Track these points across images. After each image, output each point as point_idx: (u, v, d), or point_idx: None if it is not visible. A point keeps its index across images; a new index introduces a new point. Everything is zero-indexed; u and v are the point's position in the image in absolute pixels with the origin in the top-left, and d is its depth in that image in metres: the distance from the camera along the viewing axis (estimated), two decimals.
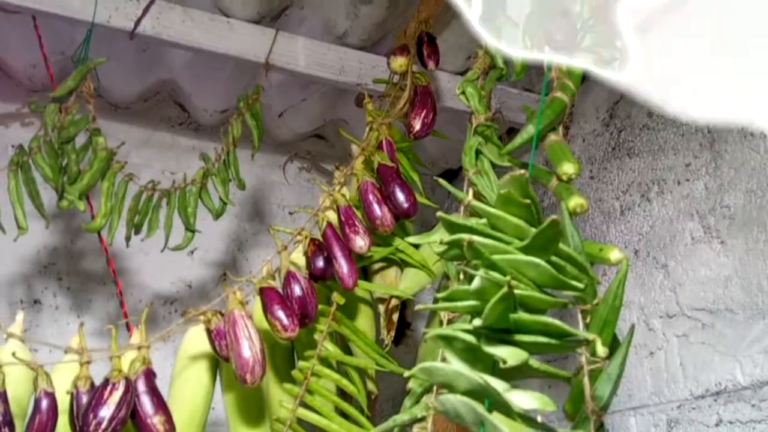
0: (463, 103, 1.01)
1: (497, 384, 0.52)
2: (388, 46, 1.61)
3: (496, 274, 0.56)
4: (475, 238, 0.59)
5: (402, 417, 0.68)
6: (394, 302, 1.29)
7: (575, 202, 0.74)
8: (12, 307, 1.73)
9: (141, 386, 1.02)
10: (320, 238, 1.18)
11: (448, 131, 1.47)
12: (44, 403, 0.99)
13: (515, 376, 0.57)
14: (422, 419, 0.68)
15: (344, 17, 1.58)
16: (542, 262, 0.58)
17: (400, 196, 1.20)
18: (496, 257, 0.58)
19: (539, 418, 0.58)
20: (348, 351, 1.26)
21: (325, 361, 1.20)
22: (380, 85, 1.44)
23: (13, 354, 0.98)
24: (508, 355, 0.53)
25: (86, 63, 1.36)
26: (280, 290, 1.12)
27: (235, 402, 1.24)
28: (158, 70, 1.84)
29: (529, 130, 0.81)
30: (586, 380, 0.61)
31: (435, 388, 0.72)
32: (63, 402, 1.01)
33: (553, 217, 0.57)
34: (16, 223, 1.32)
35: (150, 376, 1.04)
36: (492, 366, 0.56)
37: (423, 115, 1.28)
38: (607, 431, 0.63)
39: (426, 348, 1.14)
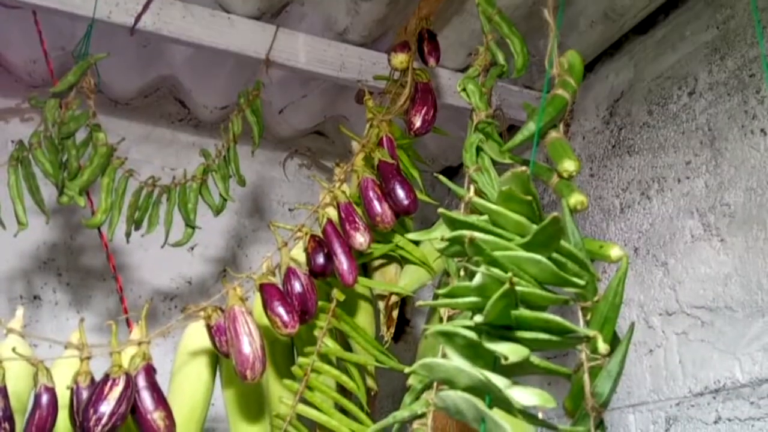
0: (464, 100, 1.01)
1: (498, 380, 0.52)
2: (389, 42, 1.61)
3: (497, 271, 0.56)
4: (477, 234, 0.59)
5: (402, 413, 0.68)
6: (394, 299, 1.30)
7: (576, 199, 0.74)
8: (12, 303, 1.73)
9: (141, 382, 1.02)
10: (320, 235, 1.18)
11: (448, 128, 1.47)
12: (44, 399, 0.99)
13: (515, 372, 0.57)
14: (422, 415, 0.68)
15: (345, 13, 1.58)
16: (543, 259, 0.58)
17: (401, 193, 1.20)
18: (497, 254, 0.58)
19: (540, 415, 0.58)
20: (348, 347, 1.26)
21: (324, 358, 1.20)
22: (381, 82, 1.44)
23: (14, 349, 0.98)
24: (510, 351, 0.53)
25: (87, 58, 1.36)
26: (280, 286, 1.12)
27: (235, 398, 1.24)
28: (158, 65, 1.84)
29: (530, 128, 0.81)
30: (586, 377, 0.62)
31: (435, 384, 0.72)
32: (63, 397, 1.01)
33: (555, 214, 0.57)
34: (16, 219, 1.32)
35: (150, 371, 1.04)
36: (493, 362, 0.56)
37: (423, 112, 1.28)
38: (606, 428, 0.63)
39: (426, 344, 1.15)
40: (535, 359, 0.55)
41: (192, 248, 1.91)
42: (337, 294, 1.22)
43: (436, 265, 1.32)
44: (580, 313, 0.68)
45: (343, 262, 1.15)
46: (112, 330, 1.05)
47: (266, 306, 1.09)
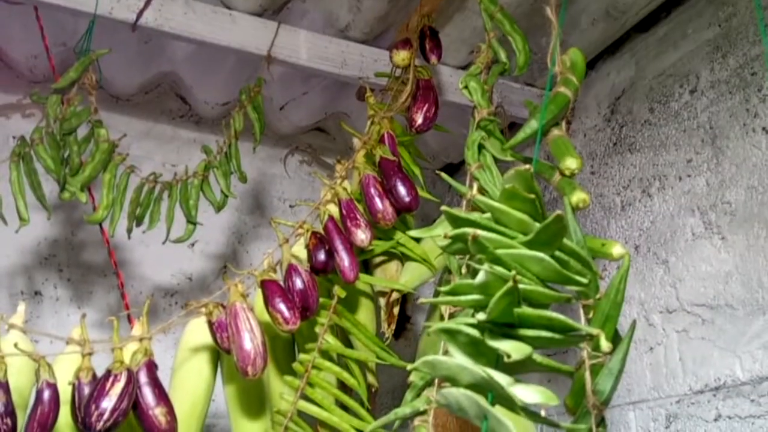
0: (466, 97, 1.01)
1: (501, 378, 0.52)
2: (390, 39, 1.61)
3: (500, 269, 0.57)
4: (480, 232, 0.59)
5: (403, 410, 0.68)
6: (394, 296, 1.30)
7: (578, 197, 0.74)
8: (13, 299, 1.73)
9: (143, 378, 1.02)
10: (322, 231, 1.18)
11: (449, 125, 1.47)
12: (46, 394, 0.99)
13: (517, 370, 0.57)
14: (424, 412, 0.69)
15: (346, 10, 1.58)
16: (546, 257, 0.58)
17: (402, 190, 1.20)
18: (500, 252, 0.58)
19: (542, 412, 0.59)
20: (349, 344, 1.26)
21: (325, 354, 1.20)
22: (382, 79, 1.44)
23: (15, 345, 0.98)
24: (512, 349, 0.53)
25: (88, 54, 1.35)
26: (282, 283, 1.12)
27: (236, 394, 1.25)
28: (160, 62, 1.84)
29: (533, 125, 0.81)
30: (587, 375, 0.62)
31: (437, 381, 0.72)
32: (65, 393, 1.01)
33: (558, 212, 0.57)
34: (18, 215, 1.32)
35: (152, 367, 1.04)
36: (495, 360, 0.56)
37: (425, 109, 1.28)
38: (607, 426, 0.63)
39: (427, 341, 1.15)
40: (538, 357, 0.55)
41: (193, 244, 1.92)
42: (338, 291, 1.22)
43: (437, 262, 1.32)
44: (581, 311, 0.68)
45: (344, 259, 1.15)
46: (113, 326, 1.05)
47: (267, 302, 1.09)
